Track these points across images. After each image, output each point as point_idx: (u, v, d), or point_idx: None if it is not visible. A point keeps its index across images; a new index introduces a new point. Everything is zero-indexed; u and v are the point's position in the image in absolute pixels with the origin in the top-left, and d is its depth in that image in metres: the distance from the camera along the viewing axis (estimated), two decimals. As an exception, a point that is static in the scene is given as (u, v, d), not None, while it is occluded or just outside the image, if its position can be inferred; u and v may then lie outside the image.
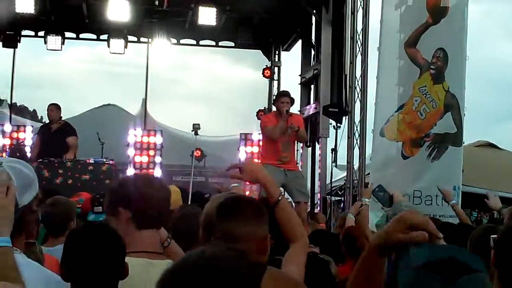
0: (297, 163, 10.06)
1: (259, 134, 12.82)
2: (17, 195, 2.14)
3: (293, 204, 9.77)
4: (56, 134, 10.53)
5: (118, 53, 14.06)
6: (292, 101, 9.24)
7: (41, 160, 9.82)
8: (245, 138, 13.32)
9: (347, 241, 4.97)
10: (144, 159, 12.46)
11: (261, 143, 12.32)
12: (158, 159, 12.45)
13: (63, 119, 11.02)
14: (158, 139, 12.59)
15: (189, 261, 1.63)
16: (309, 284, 2.80)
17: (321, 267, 3.73)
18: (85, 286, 2.35)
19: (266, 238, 2.61)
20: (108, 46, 13.98)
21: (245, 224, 2.54)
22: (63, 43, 13.87)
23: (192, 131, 12.30)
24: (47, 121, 11.05)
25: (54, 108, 10.73)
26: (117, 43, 13.91)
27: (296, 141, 9.63)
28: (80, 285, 2.35)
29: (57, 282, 2.31)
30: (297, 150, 10.53)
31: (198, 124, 12.38)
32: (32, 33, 14.29)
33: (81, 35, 14.67)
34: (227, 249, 1.70)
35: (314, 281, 3.31)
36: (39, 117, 24.20)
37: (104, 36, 14.15)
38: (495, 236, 2.84)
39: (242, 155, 12.81)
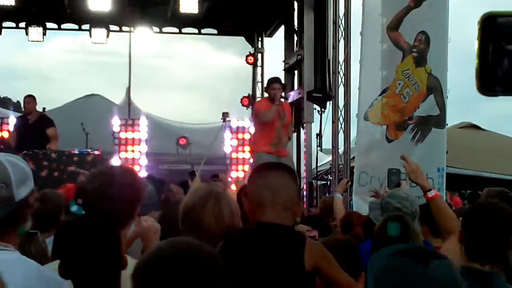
0: (287, 148, 10.14)
1: (242, 120, 12.83)
2: (14, 188, 2.14)
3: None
4: (34, 126, 10.45)
5: (100, 43, 13.97)
6: (283, 87, 9.41)
7: (25, 152, 9.75)
8: (230, 124, 13.29)
9: (345, 226, 5.00)
10: (129, 148, 12.42)
11: (249, 131, 12.41)
12: (143, 148, 12.41)
13: (46, 110, 10.95)
14: (143, 128, 12.55)
15: (164, 251, 1.68)
16: None
17: None
18: (85, 282, 2.29)
19: (299, 201, 2.89)
20: (90, 36, 13.86)
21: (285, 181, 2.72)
22: (44, 34, 13.73)
23: (222, 119, 12.48)
24: (23, 113, 10.92)
25: (30, 100, 10.62)
26: (99, 33, 13.80)
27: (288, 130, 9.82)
28: (79, 281, 2.30)
29: (48, 278, 2.27)
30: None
31: (227, 113, 12.55)
32: (13, 25, 14.15)
33: (62, 26, 14.51)
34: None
35: None
36: (23, 109, 24.05)
37: (86, 26, 14.02)
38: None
39: (227, 142, 12.79)
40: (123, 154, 12.27)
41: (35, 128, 10.40)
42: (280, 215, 2.66)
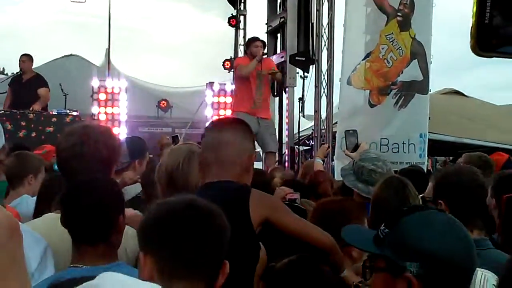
0: (269, 111, 10.12)
1: (224, 84, 12.72)
2: None
3: (263, 154, 9.83)
4: (27, 85, 10.32)
5: (79, 2, 13.70)
6: (264, 45, 9.49)
7: (2, 111, 9.60)
8: (211, 87, 13.17)
9: (311, 185, 4.98)
10: (108, 110, 12.25)
11: (231, 94, 12.33)
12: (123, 109, 12.25)
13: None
14: (122, 88, 12.37)
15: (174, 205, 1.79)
16: None
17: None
18: (80, 235, 2.35)
19: (252, 157, 2.71)
20: (69, -6, 13.60)
21: (232, 135, 2.62)
22: (22, -9, 13.46)
23: (206, 88, 12.49)
24: (18, 73, 10.77)
25: (26, 59, 10.51)
26: (78, -8, 13.54)
27: (269, 88, 9.80)
28: (75, 233, 2.36)
29: (34, 237, 2.30)
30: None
31: (213, 82, 12.50)
32: (-10, -18, 13.83)
33: (40, -16, 14.23)
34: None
35: None
36: (1, 69, 23.67)
37: (65, -16, 13.75)
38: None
39: (208, 113, 12.71)
40: (102, 116, 12.12)
41: (28, 87, 10.28)
42: (226, 173, 2.58)
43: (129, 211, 2.76)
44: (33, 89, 10.25)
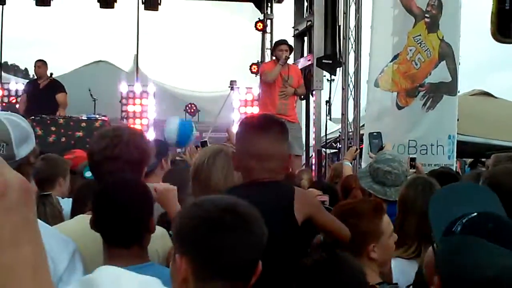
0: (295, 114, 10.11)
1: (250, 88, 12.74)
2: (15, 147, 2.11)
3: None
4: (44, 90, 10.42)
5: (109, 8, 13.83)
6: (290, 49, 9.55)
7: (33, 117, 9.71)
8: (238, 91, 13.20)
9: (343, 190, 4.96)
10: (137, 114, 12.37)
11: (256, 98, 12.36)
12: (151, 114, 12.36)
13: (54, 76, 10.91)
14: (150, 93, 12.49)
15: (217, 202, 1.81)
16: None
17: None
18: (114, 237, 2.37)
19: (290, 157, 2.78)
20: (98, 1, 13.73)
21: (275, 143, 2.64)
22: (52, -2, 13.61)
23: (229, 87, 12.42)
24: (33, 78, 10.90)
25: (41, 65, 10.59)
26: (106, -2, 13.65)
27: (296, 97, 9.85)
28: (108, 236, 2.38)
29: (62, 239, 2.28)
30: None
31: (235, 81, 12.51)
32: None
33: (70, -9, 14.41)
34: None
35: None
36: (31, 76, 24.00)
37: (94, -9, 13.88)
38: None
39: (236, 106, 12.74)
40: (130, 121, 12.28)
41: (45, 93, 10.38)
42: (269, 174, 2.62)
43: (160, 185, 2.85)
44: (50, 94, 10.35)
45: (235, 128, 10.79)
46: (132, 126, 11.59)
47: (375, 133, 6.00)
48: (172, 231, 1.91)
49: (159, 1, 13.67)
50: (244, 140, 2.69)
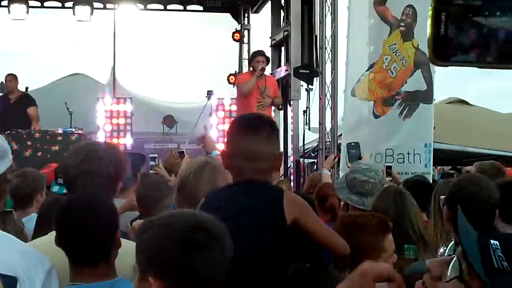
0: None
1: (231, 99, 12.70)
2: None
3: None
4: (15, 105, 10.33)
5: (84, 21, 13.76)
6: (267, 60, 9.56)
7: (9, 132, 9.63)
8: (216, 102, 13.15)
9: (319, 198, 4.95)
10: (114, 127, 12.30)
11: (234, 107, 12.32)
12: (128, 126, 12.30)
13: (30, 89, 10.83)
14: (127, 107, 12.42)
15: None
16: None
17: None
18: (78, 256, 2.30)
19: (281, 156, 2.81)
20: (74, 13, 13.65)
21: (265, 143, 2.63)
22: (27, 12, 13.50)
23: (206, 97, 12.35)
24: (5, 92, 10.73)
25: (12, 79, 10.48)
26: (82, 10, 13.57)
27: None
28: (73, 255, 2.32)
29: (37, 256, 2.26)
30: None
31: (212, 91, 12.45)
32: (-5, 2, 13.89)
33: (45, 3, 14.29)
34: None
35: None
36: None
37: (69, 4, 13.80)
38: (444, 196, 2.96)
39: (213, 120, 12.66)
40: (107, 134, 12.21)
41: (17, 107, 10.28)
42: (261, 175, 2.63)
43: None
44: (22, 108, 10.26)
45: (213, 133, 10.81)
46: (108, 139, 11.53)
47: (353, 143, 6.03)
48: (137, 249, 1.83)
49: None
50: (234, 140, 2.69)
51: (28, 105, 10.34)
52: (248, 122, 2.73)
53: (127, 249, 2.44)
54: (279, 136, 2.81)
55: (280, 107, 11.30)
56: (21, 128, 9.83)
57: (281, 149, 10.51)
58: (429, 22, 0.95)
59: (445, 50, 0.95)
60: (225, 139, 2.86)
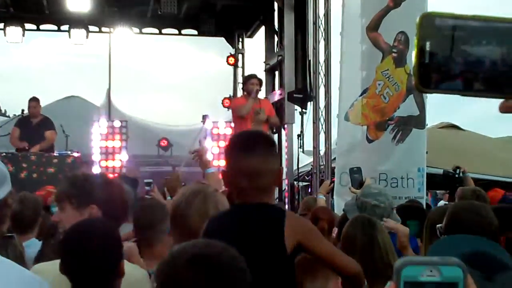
0: None
1: (225, 122, 12.78)
2: None
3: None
4: (37, 127, 10.41)
5: (80, 44, 13.88)
6: (260, 83, 9.65)
7: (4, 154, 9.67)
8: (211, 126, 13.21)
9: (313, 221, 5.01)
10: (109, 149, 12.36)
11: (228, 131, 12.41)
12: (123, 149, 12.36)
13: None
14: (122, 130, 12.49)
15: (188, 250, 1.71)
16: None
17: None
18: (82, 284, 2.31)
19: (281, 172, 2.78)
20: (69, 37, 13.78)
21: (263, 160, 2.61)
22: (23, 35, 13.61)
23: (201, 121, 12.44)
24: (26, 114, 10.80)
25: (36, 105, 10.56)
26: (78, 34, 13.71)
27: (268, 126, 9.92)
28: (76, 282, 2.31)
29: (36, 281, 2.18)
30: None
31: (207, 115, 12.56)
32: (-9, 25, 13.98)
33: (41, 27, 14.40)
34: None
35: None
36: (3, 111, 23.80)
37: (65, 27, 13.92)
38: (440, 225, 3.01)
39: (208, 143, 12.72)
40: (103, 163, 12.29)
41: (38, 129, 10.39)
42: (262, 195, 2.62)
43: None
44: (42, 131, 10.36)
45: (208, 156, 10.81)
46: (103, 160, 11.59)
47: (355, 168, 6.12)
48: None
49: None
50: (233, 159, 2.68)
51: (47, 128, 10.43)
52: (245, 140, 2.73)
53: (137, 278, 2.45)
54: (276, 151, 2.79)
55: (274, 130, 11.39)
56: (43, 151, 9.94)
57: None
58: (414, 50, 0.99)
59: (430, 78, 0.98)
60: (224, 158, 2.88)
